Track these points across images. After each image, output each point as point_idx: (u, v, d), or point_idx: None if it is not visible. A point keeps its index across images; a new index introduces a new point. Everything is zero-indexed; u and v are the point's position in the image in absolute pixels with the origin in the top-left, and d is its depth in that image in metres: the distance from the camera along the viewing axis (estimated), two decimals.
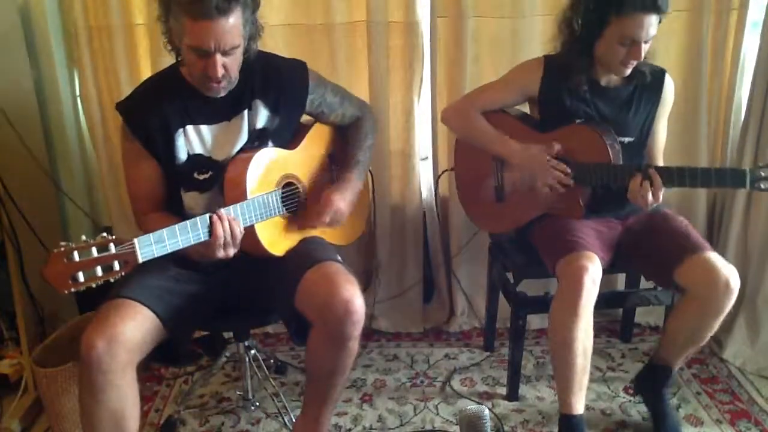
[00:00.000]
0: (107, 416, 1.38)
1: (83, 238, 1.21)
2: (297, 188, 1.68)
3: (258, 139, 1.62)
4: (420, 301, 2.52)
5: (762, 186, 1.56)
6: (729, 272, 1.63)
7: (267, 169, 1.60)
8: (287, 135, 1.69)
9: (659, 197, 1.65)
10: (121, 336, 1.35)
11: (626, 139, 1.80)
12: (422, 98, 2.30)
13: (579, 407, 1.69)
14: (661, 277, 1.80)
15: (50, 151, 2.28)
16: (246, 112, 1.60)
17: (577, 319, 1.62)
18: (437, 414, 2.00)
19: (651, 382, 1.88)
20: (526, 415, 1.98)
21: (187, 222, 1.36)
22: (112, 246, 1.22)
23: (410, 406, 2.04)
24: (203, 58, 1.42)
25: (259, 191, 1.55)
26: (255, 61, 1.60)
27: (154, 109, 1.54)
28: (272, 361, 2.25)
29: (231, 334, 2.08)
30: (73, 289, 1.19)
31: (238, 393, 2.10)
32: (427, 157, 2.41)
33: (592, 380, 1.92)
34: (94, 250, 1.20)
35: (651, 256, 1.78)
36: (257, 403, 2.02)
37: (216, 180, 1.58)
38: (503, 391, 2.09)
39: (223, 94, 1.52)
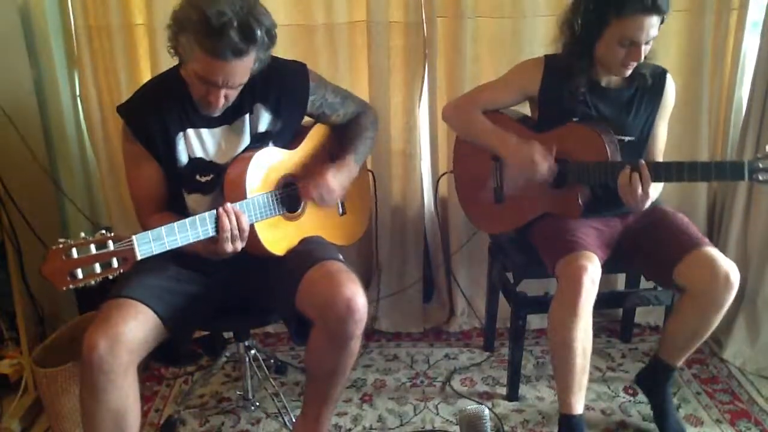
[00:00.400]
0: (108, 416, 1.38)
1: (82, 234, 1.21)
2: (297, 188, 1.68)
3: (260, 142, 1.62)
4: (420, 301, 2.52)
5: (760, 177, 1.55)
6: (728, 266, 1.63)
7: (267, 169, 1.60)
8: (288, 136, 1.69)
9: (648, 192, 1.64)
10: (122, 336, 1.35)
11: (626, 138, 1.80)
12: (423, 98, 2.29)
13: (579, 407, 1.69)
14: (661, 275, 1.80)
15: (50, 151, 2.28)
16: (247, 116, 1.59)
17: (577, 319, 1.62)
18: (437, 414, 2.00)
19: (653, 380, 1.88)
20: (526, 415, 1.98)
21: (187, 219, 1.36)
22: (110, 243, 1.22)
23: (410, 406, 2.04)
24: (207, 85, 1.42)
25: (259, 191, 1.55)
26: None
27: (155, 112, 1.54)
28: (272, 361, 2.25)
29: (231, 334, 2.08)
30: (71, 286, 1.19)
31: (238, 393, 2.11)
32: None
33: (592, 380, 1.92)
34: (92, 247, 1.20)
35: (651, 255, 1.78)
36: (257, 403, 2.02)
37: (218, 182, 1.58)
38: (503, 391, 2.09)
39: (217, 114, 1.52)
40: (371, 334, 2.46)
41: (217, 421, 1.99)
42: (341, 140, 1.79)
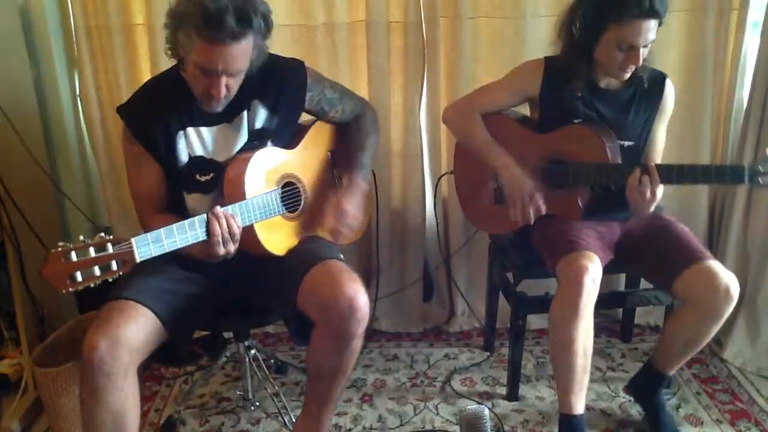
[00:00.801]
0: (108, 417, 1.38)
1: (81, 238, 1.22)
2: (297, 188, 1.68)
3: (257, 139, 1.62)
4: (420, 301, 2.52)
5: (761, 181, 1.55)
6: (729, 279, 1.63)
7: (266, 169, 1.60)
8: (287, 135, 1.69)
9: (657, 194, 1.64)
10: (123, 338, 1.36)
11: (626, 143, 1.80)
12: (423, 99, 2.29)
13: (579, 407, 1.69)
14: (660, 285, 1.81)
15: (50, 151, 2.28)
16: (245, 112, 1.60)
17: (578, 319, 1.62)
18: (437, 414, 2.00)
19: (645, 388, 1.89)
20: (526, 415, 1.98)
21: (185, 222, 1.37)
22: (109, 246, 1.22)
23: (410, 406, 2.04)
24: (208, 75, 1.43)
25: (258, 191, 1.55)
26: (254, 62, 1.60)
27: (155, 112, 1.54)
28: (272, 361, 2.25)
29: (231, 334, 2.08)
30: (71, 289, 1.19)
31: (238, 393, 2.11)
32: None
33: (592, 380, 1.92)
34: (91, 249, 1.21)
35: (651, 265, 1.78)
36: (257, 403, 2.02)
37: (218, 181, 1.58)
38: (503, 391, 2.09)
39: (219, 109, 1.53)
40: (371, 334, 2.46)
41: (217, 421, 1.99)
42: (345, 148, 1.79)
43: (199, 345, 2.30)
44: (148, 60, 2.23)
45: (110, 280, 1.24)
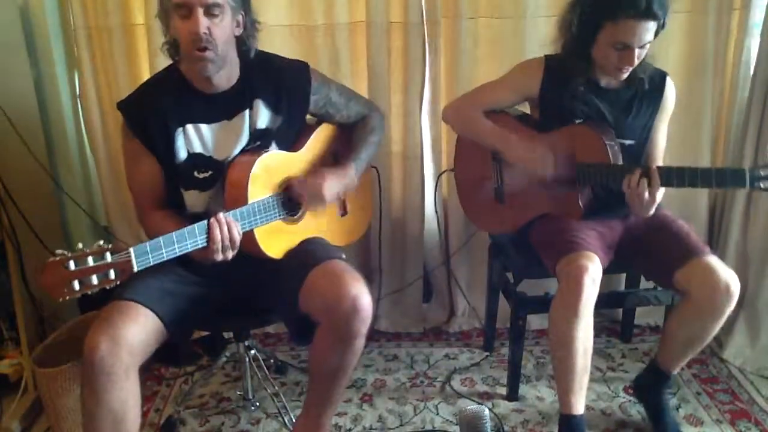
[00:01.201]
0: (108, 417, 1.38)
1: (80, 246, 1.22)
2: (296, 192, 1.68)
3: (260, 140, 1.62)
4: (420, 301, 2.52)
5: (762, 185, 1.55)
6: (729, 277, 1.63)
7: (270, 172, 1.59)
8: (291, 136, 1.69)
9: (656, 197, 1.64)
10: (123, 338, 1.36)
11: (626, 142, 1.80)
12: (423, 99, 2.29)
13: (579, 407, 1.69)
14: (661, 279, 1.80)
15: (50, 151, 2.28)
16: (247, 111, 1.60)
17: (578, 319, 1.62)
18: (437, 414, 2.00)
19: (649, 385, 1.89)
20: (526, 415, 1.98)
21: (185, 229, 1.36)
22: (108, 255, 1.22)
23: (410, 406, 2.04)
24: (187, 19, 1.43)
25: (260, 194, 1.55)
26: (256, 61, 1.60)
27: (154, 108, 1.54)
28: (272, 361, 2.25)
29: (231, 334, 2.08)
30: (68, 297, 1.20)
31: (238, 393, 2.11)
32: None
33: (592, 380, 1.92)
34: (90, 259, 1.20)
35: (651, 258, 1.78)
36: (257, 403, 2.02)
37: (216, 179, 1.58)
38: (503, 391, 2.09)
39: (211, 70, 1.50)
40: (371, 334, 2.45)
41: (217, 421, 1.99)
42: (348, 145, 1.79)
43: (199, 345, 2.30)
44: (147, 60, 2.23)
45: (108, 288, 1.24)
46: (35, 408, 1.97)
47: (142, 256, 1.28)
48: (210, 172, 1.59)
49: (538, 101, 1.87)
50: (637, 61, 1.68)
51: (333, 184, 1.64)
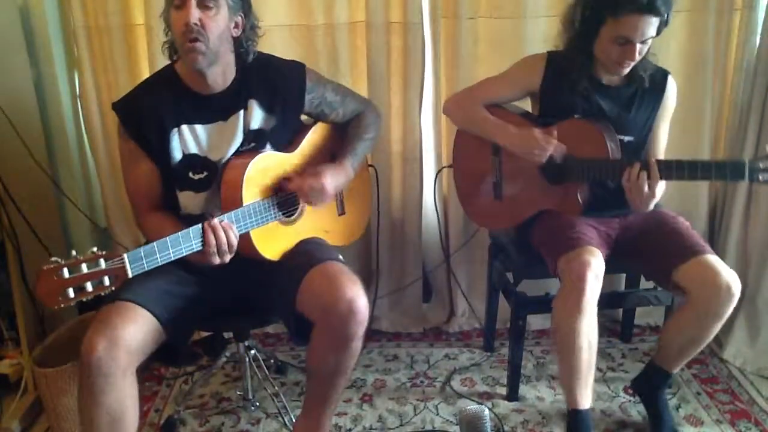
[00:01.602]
0: (106, 418, 1.38)
1: (73, 253, 1.22)
2: (294, 193, 1.67)
3: (254, 140, 1.61)
4: (420, 301, 2.52)
5: (761, 178, 1.55)
6: (730, 276, 1.62)
7: (264, 173, 1.59)
8: (286, 136, 1.69)
9: (655, 191, 1.63)
10: (121, 339, 1.35)
11: (626, 138, 1.80)
12: (423, 99, 2.29)
13: (585, 402, 1.68)
14: (660, 277, 1.80)
15: (50, 152, 2.28)
16: (241, 112, 1.59)
17: (581, 315, 1.62)
18: (437, 414, 2.00)
19: (648, 385, 1.88)
20: (526, 415, 1.98)
21: (179, 234, 1.36)
22: (102, 261, 1.22)
23: (410, 406, 2.04)
24: (180, 9, 1.44)
25: (256, 196, 1.55)
26: (254, 64, 1.60)
27: (149, 109, 1.54)
28: (272, 361, 2.25)
29: (231, 334, 2.08)
30: (62, 305, 1.19)
31: (238, 393, 2.11)
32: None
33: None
34: (83, 266, 1.21)
35: (651, 256, 1.77)
36: (257, 403, 2.02)
37: (211, 180, 1.58)
38: (503, 391, 2.09)
39: (202, 63, 1.48)
40: (371, 334, 2.46)
41: (217, 421, 1.99)
42: (341, 140, 1.79)
43: (199, 345, 2.29)
44: (147, 60, 2.23)
45: (102, 294, 1.24)
46: (35, 408, 1.97)
47: (137, 261, 1.27)
48: (205, 173, 1.58)
49: (539, 96, 1.87)
50: (638, 57, 1.68)
51: (333, 178, 1.64)
